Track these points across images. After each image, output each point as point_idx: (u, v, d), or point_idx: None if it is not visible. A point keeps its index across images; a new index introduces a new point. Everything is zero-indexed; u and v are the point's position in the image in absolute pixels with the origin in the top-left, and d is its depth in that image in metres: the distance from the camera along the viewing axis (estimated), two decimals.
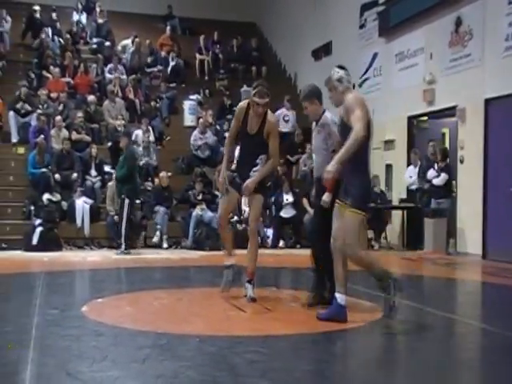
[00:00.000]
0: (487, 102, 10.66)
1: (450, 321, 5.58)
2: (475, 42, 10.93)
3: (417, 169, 12.21)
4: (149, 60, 17.35)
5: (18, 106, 13.61)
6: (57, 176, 12.02)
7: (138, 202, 11.58)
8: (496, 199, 10.44)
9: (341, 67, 5.15)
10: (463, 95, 11.18)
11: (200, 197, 12.15)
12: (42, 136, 12.80)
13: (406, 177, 12.38)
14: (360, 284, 7.50)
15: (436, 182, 11.31)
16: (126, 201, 10.66)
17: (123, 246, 10.60)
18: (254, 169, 5.88)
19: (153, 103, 15.59)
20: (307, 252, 5.96)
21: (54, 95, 14.32)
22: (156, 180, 12.77)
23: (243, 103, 6.00)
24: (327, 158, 5.29)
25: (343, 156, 4.74)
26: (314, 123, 5.85)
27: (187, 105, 15.51)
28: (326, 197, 5.22)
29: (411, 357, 4.35)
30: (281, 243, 12.19)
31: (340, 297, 4.99)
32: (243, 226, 11.03)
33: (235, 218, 11.39)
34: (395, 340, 5.01)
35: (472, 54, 10.99)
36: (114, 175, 11.43)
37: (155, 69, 17.13)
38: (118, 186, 11.03)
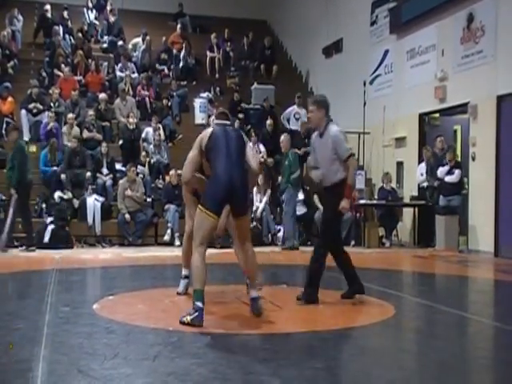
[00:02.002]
0: (499, 98, 10.59)
1: (463, 319, 5.56)
2: (487, 39, 10.85)
3: (425, 166, 12.14)
4: (162, 56, 17.36)
5: (31, 106, 13.67)
6: (63, 176, 11.97)
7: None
8: (508, 196, 10.36)
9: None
10: (475, 92, 11.12)
11: None
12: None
13: (418, 174, 12.32)
14: (372, 282, 7.48)
15: (450, 179, 11.25)
16: (15, 196, 10.37)
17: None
18: None
19: (164, 101, 15.61)
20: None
21: (65, 93, 14.37)
22: (167, 178, 12.78)
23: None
24: (338, 166, 5.69)
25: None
26: (313, 136, 6.04)
27: (198, 103, 15.49)
28: (345, 203, 5.59)
29: (423, 355, 4.33)
30: None
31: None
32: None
33: None
34: (407, 338, 4.99)
35: (484, 51, 10.91)
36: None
37: (166, 67, 17.16)
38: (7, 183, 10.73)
